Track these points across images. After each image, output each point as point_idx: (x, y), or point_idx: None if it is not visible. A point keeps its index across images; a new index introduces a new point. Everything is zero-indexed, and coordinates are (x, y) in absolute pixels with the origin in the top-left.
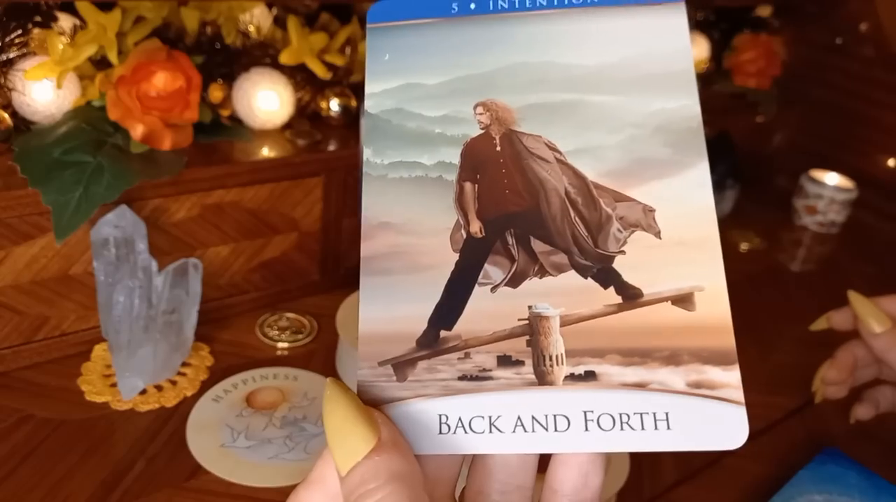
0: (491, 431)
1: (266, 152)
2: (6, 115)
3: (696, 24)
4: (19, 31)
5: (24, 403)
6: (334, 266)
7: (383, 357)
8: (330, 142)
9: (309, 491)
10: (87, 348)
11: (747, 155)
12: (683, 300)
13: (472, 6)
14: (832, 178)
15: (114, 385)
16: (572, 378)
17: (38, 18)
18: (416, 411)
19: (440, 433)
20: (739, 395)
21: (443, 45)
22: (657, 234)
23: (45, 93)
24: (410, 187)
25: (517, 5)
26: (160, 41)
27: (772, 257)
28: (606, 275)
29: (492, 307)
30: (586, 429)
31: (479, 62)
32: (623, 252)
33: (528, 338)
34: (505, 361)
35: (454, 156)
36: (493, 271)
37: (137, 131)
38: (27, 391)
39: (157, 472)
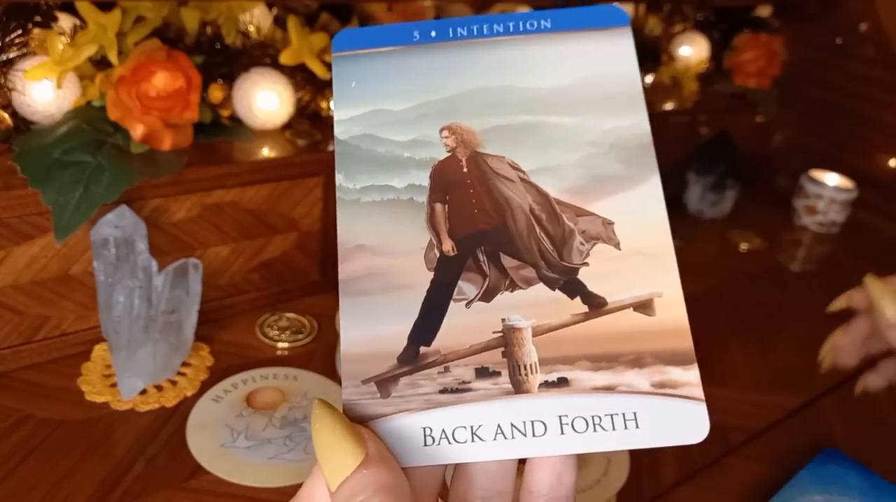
0: (473, 440)
1: (266, 152)
2: (6, 115)
3: (696, 24)
4: (19, 31)
5: (23, 403)
6: (334, 266)
7: (366, 375)
8: (330, 142)
9: None
10: (87, 348)
11: (747, 155)
12: (644, 306)
13: (433, 34)
14: (832, 178)
15: (114, 385)
16: (546, 385)
17: (38, 18)
18: (401, 425)
19: (425, 445)
20: (699, 392)
21: (407, 71)
22: (617, 246)
23: (45, 93)
24: (383, 210)
25: (475, 32)
26: (160, 41)
27: (772, 257)
28: (572, 286)
29: (467, 322)
30: (562, 433)
31: (443, 87)
32: (587, 264)
33: (503, 349)
34: (483, 373)
35: (423, 178)
36: (466, 287)
37: (137, 131)
38: (27, 391)
39: (156, 472)
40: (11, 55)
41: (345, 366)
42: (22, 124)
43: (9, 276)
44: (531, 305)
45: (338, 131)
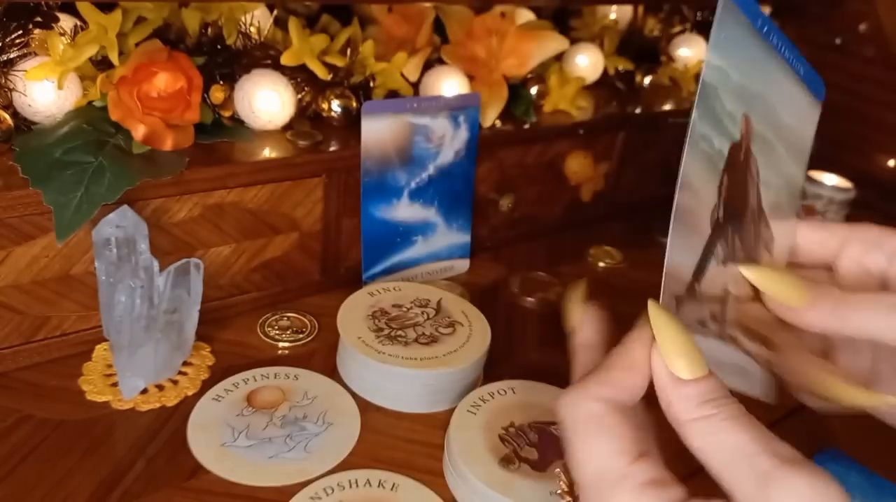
0: None
1: (267, 153)
2: (7, 116)
3: (695, 25)
4: (20, 32)
5: (23, 403)
6: (335, 266)
7: (672, 291)
8: (331, 143)
9: (622, 375)
10: (89, 348)
11: None
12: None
13: (778, 43)
14: (831, 179)
15: (115, 384)
16: (730, 338)
17: (38, 19)
18: None
19: None
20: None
21: (754, 54)
22: (771, 255)
23: (45, 93)
24: (704, 160)
25: (788, 57)
26: (161, 42)
27: None
28: None
29: (712, 275)
30: (727, 372)
31: (759, 82)
32: (760, 256)
33: (720, 304)
34: (711, 318)
35: (725, 147)
36: (720, 251)
37: (139, 132)
38: (27, 391)
39: (157, 472)
40: (12, 55)
41: (666, 278)
42: (23, 124)
43: (10, 276)
44: (735, 279)
45: (706, 73)
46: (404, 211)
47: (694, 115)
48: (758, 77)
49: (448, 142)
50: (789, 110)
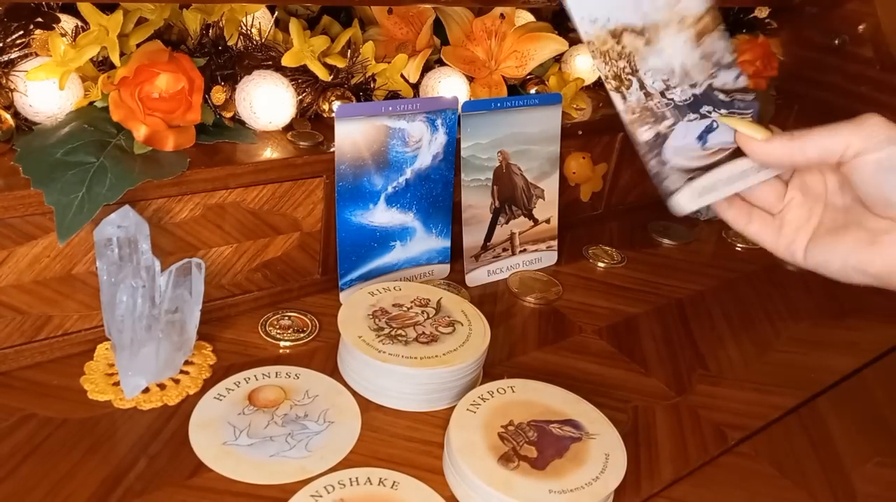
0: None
1: (268, 153)
2: (8, 116)
3: None
4: (21, 32)
5: (26, 402)
6: (335, 265)
7: (471, 254)
8: (331, 144)
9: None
10: (90, 347)
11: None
12: (547, 222)
13: (498, 105)
14: None
15: (117, 384)
16: (523, 251)
17: (39, 19)
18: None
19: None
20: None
21: (490, 123)
22: (542, 198)
23: (46, 94)
24: (476, 191)
25: (515, 104)
26: (162, 43)
27: (768, 256)
28: (529, 216)
29: (500, 232)
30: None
31: (498, 131)
32: (535, 207)
33: (510, 241)
34: (502, 250)
35: (490, 174)
36: (502, 220)
37: (140, 132)
38: (29, 390)
39: (159, 470)
40: (13, 56)
41: (466, 252)
42: (24, 125)
43: (11, 276)
44: (518, 225)
45: (463, 152)
46: (381, 215)
47: (462, 175)
48: (501, 127)
49: (426, 145)
50: (534, 123)
